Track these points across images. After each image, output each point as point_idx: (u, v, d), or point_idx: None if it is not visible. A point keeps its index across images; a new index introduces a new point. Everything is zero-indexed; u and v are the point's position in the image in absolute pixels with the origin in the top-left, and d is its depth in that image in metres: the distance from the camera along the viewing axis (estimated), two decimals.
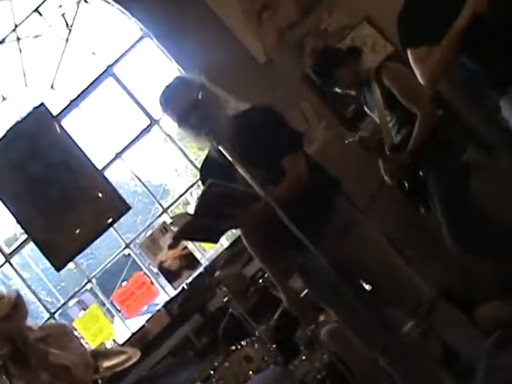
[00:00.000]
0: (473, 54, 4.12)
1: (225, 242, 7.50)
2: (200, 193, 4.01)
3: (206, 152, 4.41)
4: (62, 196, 7.58)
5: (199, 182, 4.65)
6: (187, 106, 4.11)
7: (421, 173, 5.43)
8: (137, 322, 8.07)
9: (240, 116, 4.22)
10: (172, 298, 7.57)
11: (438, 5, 3.99)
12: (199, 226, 3.99)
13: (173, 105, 4.20)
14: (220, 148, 3.80)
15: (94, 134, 9.26)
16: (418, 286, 4.28)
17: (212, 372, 5.27)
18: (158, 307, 7.96)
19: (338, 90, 5.71)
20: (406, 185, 5.56)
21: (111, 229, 7.95)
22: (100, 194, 7.61)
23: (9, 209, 7.68)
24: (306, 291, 4.80)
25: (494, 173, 6.10)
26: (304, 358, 5.55)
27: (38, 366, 4.71)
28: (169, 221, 7.66)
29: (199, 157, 7.83)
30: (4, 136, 7.73)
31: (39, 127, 7.73)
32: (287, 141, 4.21)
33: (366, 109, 5.87)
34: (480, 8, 3.83)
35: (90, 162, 7.69)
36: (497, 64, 4.04)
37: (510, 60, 3.98)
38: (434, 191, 5.37)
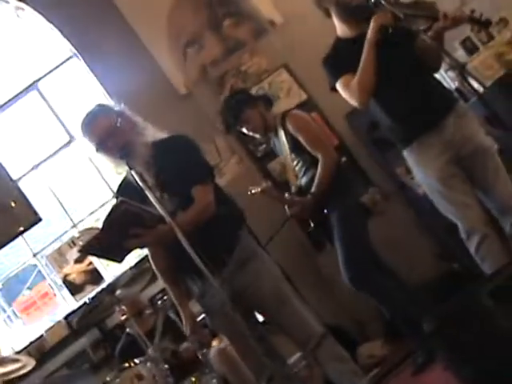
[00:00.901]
0: (386, 112, 4.48)
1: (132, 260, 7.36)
2: (108, 215, 3.97)
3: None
4: None
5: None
6: (105, 132, 4.16)
7: (325, 211, 5.47)
8: (36, 331, 7.85)
9: (158, 143, 4.27)
10: (73, 311, 7.44)
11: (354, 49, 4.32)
12: (105, 242, 3.94)
13: (91, 131, 4.22)
14: (132, 172, 3.83)
15: (14, 144, 9.08)
16: (308, 321, 4.28)
17: None
18: (58, 318, 7.75)
19: (244, 130, 5.74)
20: (311, 224, 5.60)
21: (21, 238, 7.75)
22: (13, 204, 7.41)
23: None
24: (202, 316, 4.76)
25: (388, 219, 6.21)
26: (194, 379, 5.40)
27: None
28: (77, 235, 7.55)
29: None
30: None
31: None
32: (199, 171, 4.24)
33: (276, 150, 5.94)
34: (383, 21, 4.21)
35: (5, 171, 7.50)
36: (405, 123, 4.41)
37: (415, 121, 4.37)
38: (335, 230, 5.43)
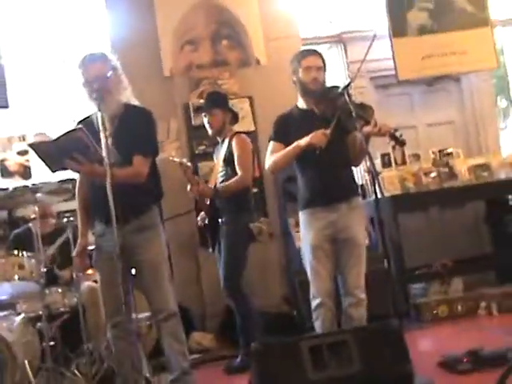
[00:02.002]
0: (302, 176, 4.59)
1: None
2: (65, 132, 4.01)
3: None
4: None
5: None
6: (95, 75, 4.17)
7: (220, 220, 5.57)
8: None
9: (128, 106, 4.30)
10: None
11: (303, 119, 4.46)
12: (51, 150, 3.97)
13: (87, 69, 4.22)
14: (98, 114, 3.89)
15: None
16: (168, 297, 4.30)
17: None
18: None
19: (205, 120, 5.79)
20: (206, 221, 5.68)
21: None
22: None
23: None
24: (91, 248, 4.64)
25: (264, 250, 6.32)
26: (60, 290, 5.45)
27: None
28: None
29: None
30: None
31: None
32: (147, 145, 4.28)
33: (214, 156, 6.00)
34: (316, 142, 4.23)
35: None
36: (310, 192, 4.53)
37: (317, 195, 4.46)
38: (223, 239, 5.53)
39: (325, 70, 4.53)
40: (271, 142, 4.56)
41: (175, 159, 5.52)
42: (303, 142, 4.29)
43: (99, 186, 3.92)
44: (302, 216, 4.57)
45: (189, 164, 5.55)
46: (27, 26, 7.65)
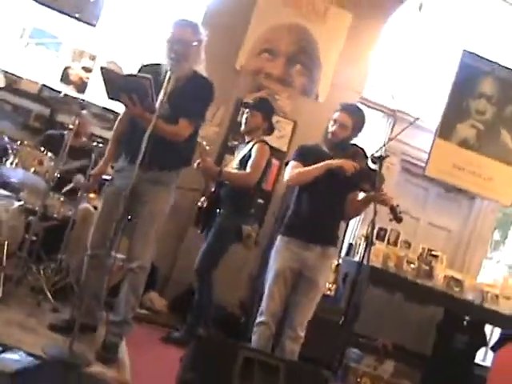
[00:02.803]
0: (295, 204, 4.68)
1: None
2: (136, 74, 4.23)
3: None
4: None
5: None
6: (180, 39, 4.29)
7: (218, 210, 5.61)
8: None
9: (196, 74, 4.40)
10: (50, 88, 7.19)
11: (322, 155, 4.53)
12: (117, 80, 4.09)
13: (175, 30, 4.34)
14: (168, 73, 4.05)
15: None
16: (146, 251, 4.36)
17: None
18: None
19: (245, 115, 5.78)
20: (205, 205, 5.72)
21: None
22: None
23: None
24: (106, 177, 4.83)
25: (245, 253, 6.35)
26: (61, 199, 5.54)
27: None
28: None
29: None
30: None
31: None
32: (197, 112, 4.39)
33: (235, 151, 6.02)
34: (347, 168, 4.36)
35: None
36: (296, 221, 4.62)
37: (303, 227, 4.53)
38: (214, 227, 5.57)
39: (353, 130, 4.61)
40: (292, 161, 4.65)
41: (204, 143, 5.55)
42: (335, 163, 4.42)
43: (140, 128, 4.09)
44: (280, 240, 4.61)
45: (206, 146, 5.56)
46: None
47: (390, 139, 4.71)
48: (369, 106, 7.94)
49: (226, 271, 5.78)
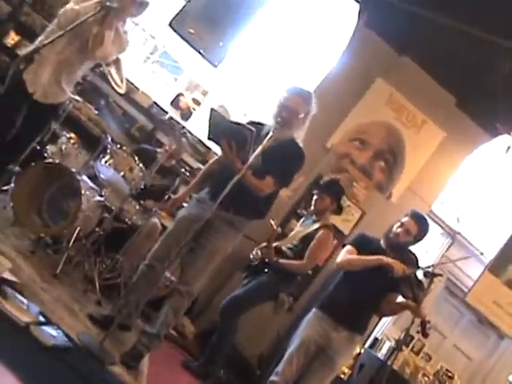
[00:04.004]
0: (335, 287, 4.63)
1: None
2: (243, 123, 4.20)
3: None
4: None
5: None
6: (290, 108, 4.34)
7: (266, 269, 5.54)
8: None
9: (293, 140, 4.40)
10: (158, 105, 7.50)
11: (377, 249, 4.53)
12: (221, 125, 4.15)
13: (287, 97, 4.38)
14: (269, 135, 4.14)
15: None
16: (196, 280, 4.37)
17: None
18: None
19: (315, 197, 5.71)
20: (256, 262, 5.65)
21: None
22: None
23: None
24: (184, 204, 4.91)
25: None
26: (137, 208, 5.69)
27: None
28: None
29: None
30: None
31: None
32: (284, 174, 4.38)
33: (300, 222, 5.97)
34: (397, 270, 4.31)
35: None
36: (333, 302, 4.55)
37: (336, 308, 4.48)
38: (256, 281, 5.52)
39: (415, 238, 4.59)
40: (348, 246, 4.63)
41: (273, 223, 5.62)
42: (387, 260, 4.38)
43: (229, 173, 4.10)
44: (313, 312, 4.57)
45: (278, 230, 5.62)
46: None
47: (447, 261, 4.63)
48: (433, 220, 7.89)
49: (255, 322, 5.79)
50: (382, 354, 7.07)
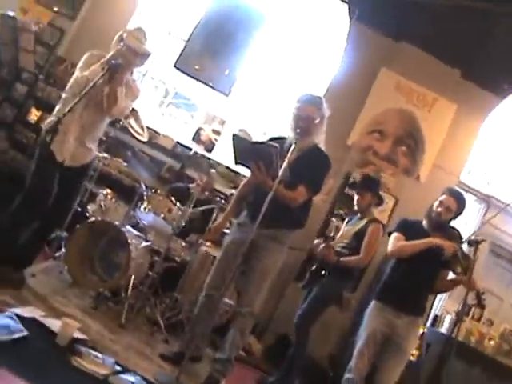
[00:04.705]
0: (391, 273, 4.63)
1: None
2: (266, 141, 4.27)
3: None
4: None
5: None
6: (305, 117, 4.37)
7: (323, 272, 5.54)
8: None
9: (315, 146, 4.44)
10: (182, 145, 7.49)
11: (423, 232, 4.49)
12: (245, 146, 4.16)
13: (300, 106, 4.41)
14: (292, 145, 4.11)
15: None
16: (255, 299, 4.37)
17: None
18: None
19: (355, 197, 5.77)
20: (314, 267, 5.63)
21: None
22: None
23: None
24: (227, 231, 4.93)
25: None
26: (183, 244, 5.74)
27: None
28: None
29: None
30: None
31: None
32: (315, 181, 4.41)
33: (346, 222, 5.97)
34: (447, 249, 4.29)
35: None
36: (391, 290, 4.55)
37: (394, 296, 4.48)
38: (319, 286, 5.50)
39: (455, 213, 4.58)
40: (395, 233, 4.63)
41: (316, 242, 5.72)
42: (437, 242, 4.37)
43: (262, 191, 4.12)
44: (373, 304, 4.58)
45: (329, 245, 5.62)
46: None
47: (484, 222, 4.56)
48: (464, 190, 7.77)
49: (318, 326, 5.67)
50: (444, 328, 6.98)
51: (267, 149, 4.07)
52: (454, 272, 4.46)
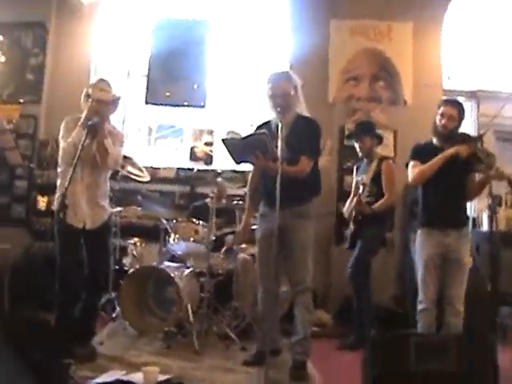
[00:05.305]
0: (423, 199, 4.60)
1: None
2: (253, 133, 4.32)
3: None
4: None
5: None
6: (280, 93, 4.37)
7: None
8: None
9: (300, 116, 4.45)
10: (184, 168, 7.52)
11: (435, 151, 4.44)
12: (238, 146, 4.20)
13: (273, 86, 4.41)
14: (278, 123, 4.06)
15: None
16: (307, 274, 4.40)
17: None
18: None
19: (356, 145, 5.78)
20: (353, 226, 5.64)
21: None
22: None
23: None
24: (255, 227, 4.89)
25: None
26: (222, 256, 5.77)
27: None
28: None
29: None
30: None
31: None
32: (313, 149, 4.46)
33: (357, 171, 5.94)
34: (461, 152, 4.26)
35: None
36: (429, 214, 4.52)
37: (435, 218, 4.45)
38: (362, 238, 5.56)
39: (459, 119, 4.52)
40: (411, 162, 4.58)
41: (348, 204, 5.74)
42: (449, 152, 4.34)
43: (270, 176, 4.16)
44: (420, 233, 4.56)
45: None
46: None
47: (493, 117, 4.48)
48: (452, 95, 7.66)
49: (374, 274, 5.70)
50: (485, 227, 6.91)
51: (258, 137, 4.14)
52: (479, 171, 4.43)
